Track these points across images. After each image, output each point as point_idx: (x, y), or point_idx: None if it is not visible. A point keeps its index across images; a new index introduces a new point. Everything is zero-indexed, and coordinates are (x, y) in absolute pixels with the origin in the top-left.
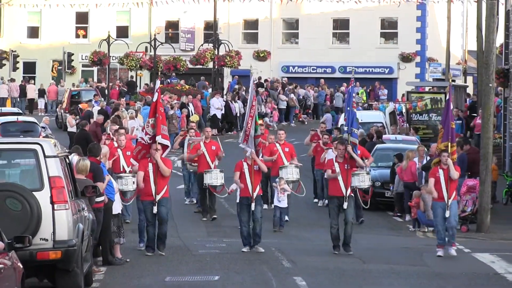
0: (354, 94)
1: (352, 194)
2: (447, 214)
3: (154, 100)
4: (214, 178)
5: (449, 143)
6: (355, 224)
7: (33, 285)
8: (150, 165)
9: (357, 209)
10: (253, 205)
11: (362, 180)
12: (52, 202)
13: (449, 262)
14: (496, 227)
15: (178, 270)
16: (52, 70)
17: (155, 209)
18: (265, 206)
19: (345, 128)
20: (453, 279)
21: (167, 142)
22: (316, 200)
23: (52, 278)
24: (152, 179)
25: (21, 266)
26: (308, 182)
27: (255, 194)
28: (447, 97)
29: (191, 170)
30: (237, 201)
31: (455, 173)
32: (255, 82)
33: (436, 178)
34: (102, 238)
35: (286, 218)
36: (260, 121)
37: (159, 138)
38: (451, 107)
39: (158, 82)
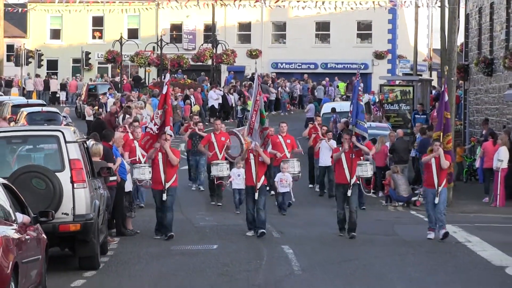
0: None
1: (358, 182)
2: (436, 200)
3: (164, 92)
4: (220, 170)
5: (441, 133)
6: (358, 210)
7: (55, 254)
8: (160, 154)
9: (360, 197)
10: (256, 194)
11: (365, 170)
12: (72, 182)
13: (416, 232)
14: (458, 202)
15: (181, 240)
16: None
17: (164, 197)
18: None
19: (350, 120)
20: (420, 247)
21: (170, 133)
22: (311, 185)
23: (72, 247)
24: (161, 168)
25: (45, 237)
26: (303, 170)
27: (259, 184)
28: (442, 89)
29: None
30: (232, 187)
31: (445, 162)
32: (248, 76)
33: (428, 165)
34: (116, 212)
35: (293, 198)
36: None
37: (167, 129)
38: (446, 98)
39: (168, 75)
